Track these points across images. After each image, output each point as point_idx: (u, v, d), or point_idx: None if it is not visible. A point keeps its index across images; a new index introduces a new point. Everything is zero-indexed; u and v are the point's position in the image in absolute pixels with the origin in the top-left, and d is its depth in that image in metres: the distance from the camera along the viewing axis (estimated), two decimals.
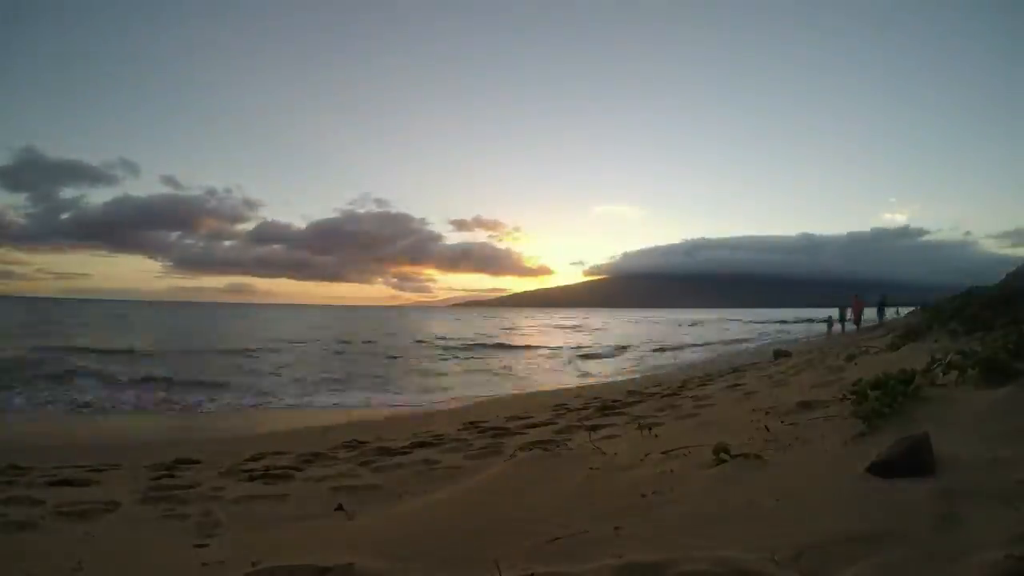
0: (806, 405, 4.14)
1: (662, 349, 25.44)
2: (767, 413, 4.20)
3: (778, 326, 45.77)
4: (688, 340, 30.77)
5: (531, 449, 4.62)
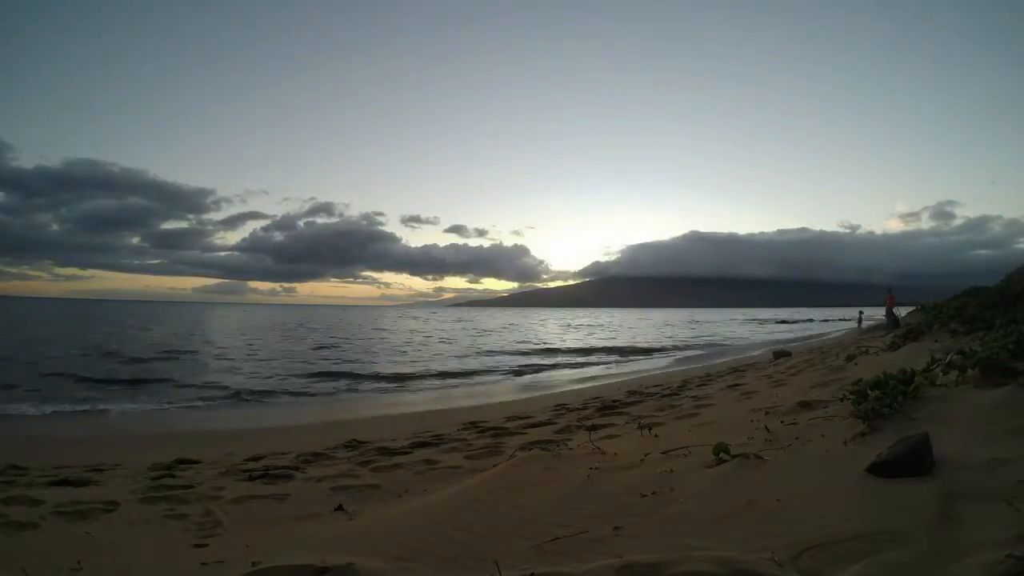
0: (806, 405, 4.14)
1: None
2: (767, 413, 4.21)
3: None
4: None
5: (531, 449, 4.62)
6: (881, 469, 2.16)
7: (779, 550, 1.74)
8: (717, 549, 1.82)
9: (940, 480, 2.01)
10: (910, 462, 2.11)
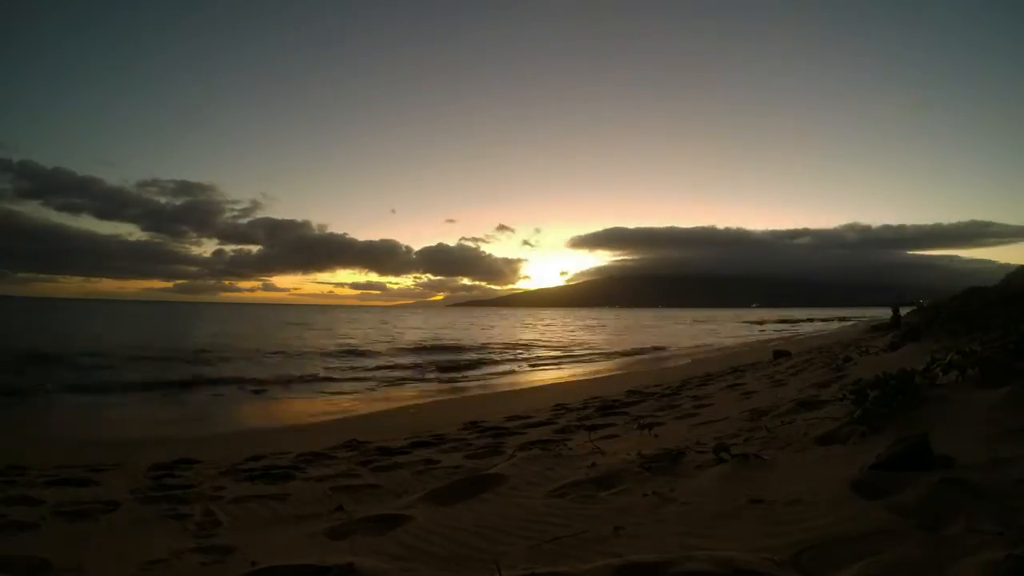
0: (806, 405, 4.15)
1: None
2: (767, 413, 4.21)
3: None
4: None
5: (531, 449, 4.62)
6: (881, 469, 2.16)
7: (779, 550, 1.74)
8: (717, 549, 1.82)
9: (940, 480, 2.00)
10: (910, 462, 2.12)
